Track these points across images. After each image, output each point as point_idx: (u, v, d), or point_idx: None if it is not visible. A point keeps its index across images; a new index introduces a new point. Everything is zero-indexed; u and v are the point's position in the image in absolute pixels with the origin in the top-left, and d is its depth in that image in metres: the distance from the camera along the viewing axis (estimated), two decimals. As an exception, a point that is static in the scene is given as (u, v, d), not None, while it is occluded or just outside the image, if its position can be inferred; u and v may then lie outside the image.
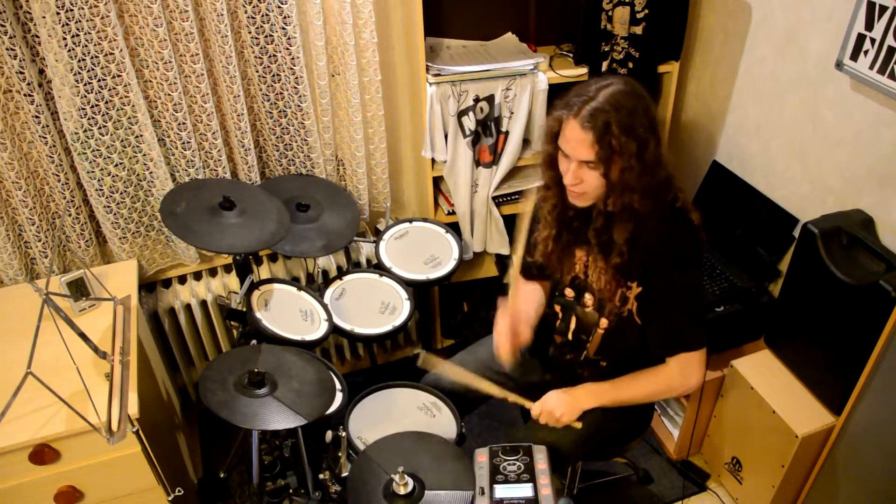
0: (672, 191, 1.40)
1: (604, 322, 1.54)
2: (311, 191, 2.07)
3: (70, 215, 1.95)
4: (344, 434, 1.58)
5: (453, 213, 2.36)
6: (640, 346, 1.54)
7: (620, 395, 1.54)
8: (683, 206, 1.41)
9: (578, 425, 1.53)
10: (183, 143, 1.95)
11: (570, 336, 1.62)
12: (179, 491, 1.68)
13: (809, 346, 1.84)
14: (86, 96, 1.80)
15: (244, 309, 1.76)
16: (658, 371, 1.49)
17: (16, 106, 1.75)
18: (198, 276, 2.26)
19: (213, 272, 2.28)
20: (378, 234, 2.19)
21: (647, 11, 2.08)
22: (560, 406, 1.51)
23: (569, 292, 1.59)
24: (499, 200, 2.35)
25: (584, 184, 1.37)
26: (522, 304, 1.66)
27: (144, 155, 1.96)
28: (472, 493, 1.38)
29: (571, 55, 2.22)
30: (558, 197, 1.47)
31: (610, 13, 2.08)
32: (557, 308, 1.64)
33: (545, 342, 1.72)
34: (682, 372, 1.47)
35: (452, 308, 2.66)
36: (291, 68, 1.99)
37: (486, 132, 2.19)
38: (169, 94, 1.86)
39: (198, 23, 1.83)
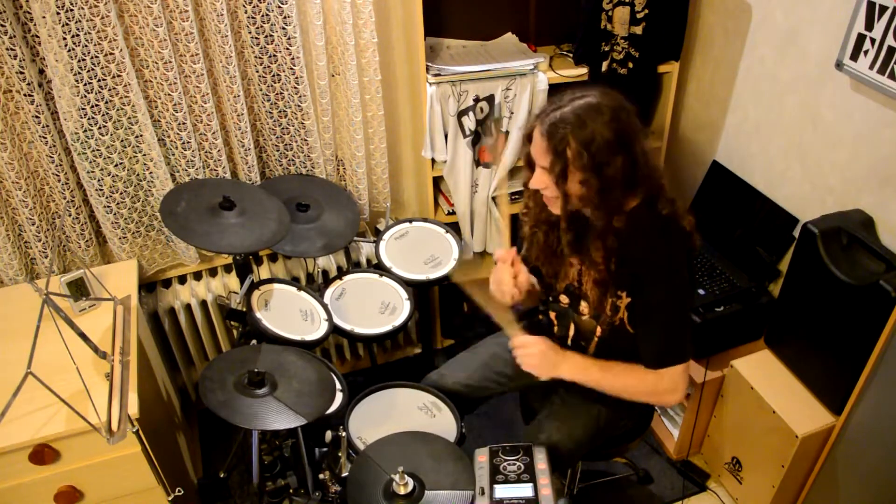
0: (663, 203, 1.39)
1: (598, 331, 1.53)
2: (311, 191, 2.07)
3: (70, 215, 1.95)
4: (344, 434, 1.58)
5: (453, 213, 2.36)
6: (635, 355, 1.52)
7: (603, 381, 1.50)
8: (673, 215, 1.39)
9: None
10: (183, 143, 1.95)
11: (569, 342, 1.61)
12: (179, 491, 1.68)
13: (809, 346, 1.84)
14: (86, 96, 1.80)
15: (244, 309, 1.76)
16: (648, 372, 1.47)
17: (16, 106, 1.75)
18: (198, 276, 2.26)
19: (213, 272, 2.28)
20: (378, 234, 2.19)
21: (647, 11, 2.08)
22: (540, 364, 1.48)
23: (563, 299, 1.58)
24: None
25: (548, 189, 1.38)
26: (524, 272, 1.63)
27: (144, 155, 1.96)
28: (472, 493, 1.38)
29: (571, 55, 2.22)
30: (539, 202, 1.47)
31: (610, 13, 2.08)
32: (552, 314, 1.63)
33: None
34: (668, 382, 1.45)
35: (452, 308, 2.66)
36: (291, 68, 1.99)
37: (486, 132, 2.19)
38: (169, 94, 1.86)
39: (198, 23, 1.83)
